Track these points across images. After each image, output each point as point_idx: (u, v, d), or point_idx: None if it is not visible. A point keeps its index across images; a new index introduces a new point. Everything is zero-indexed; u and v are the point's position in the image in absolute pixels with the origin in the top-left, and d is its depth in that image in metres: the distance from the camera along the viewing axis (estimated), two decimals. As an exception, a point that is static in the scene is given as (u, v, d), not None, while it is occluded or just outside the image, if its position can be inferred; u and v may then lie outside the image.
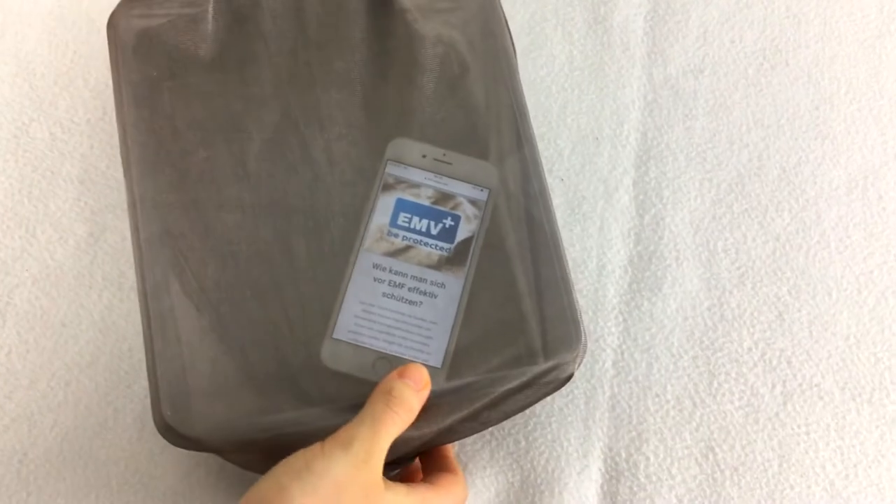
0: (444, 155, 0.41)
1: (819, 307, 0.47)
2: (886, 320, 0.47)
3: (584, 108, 0.51)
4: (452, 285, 0.39)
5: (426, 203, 0.40)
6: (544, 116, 0.51)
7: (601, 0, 0.54)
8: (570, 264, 0.43)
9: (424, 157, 0.41)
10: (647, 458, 0.43)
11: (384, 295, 0.38)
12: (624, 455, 0.44)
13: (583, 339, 0.38)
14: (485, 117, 0.41)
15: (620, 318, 0.47)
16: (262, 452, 0.36)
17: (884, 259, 0.48)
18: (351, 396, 0.36)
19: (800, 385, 0.45)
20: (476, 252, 0.39)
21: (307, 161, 0.40)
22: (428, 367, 0.36)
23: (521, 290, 0.38)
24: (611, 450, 0.44)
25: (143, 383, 0.43)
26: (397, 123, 0.41)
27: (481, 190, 0.40)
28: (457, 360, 0.37)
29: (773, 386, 0.45)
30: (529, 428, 0.44)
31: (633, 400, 0.45)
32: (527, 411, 0.41)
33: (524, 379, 0.37)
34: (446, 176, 0.41)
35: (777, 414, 0.45)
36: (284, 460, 0.31)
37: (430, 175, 0.41)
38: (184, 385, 0.35)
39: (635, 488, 0.43)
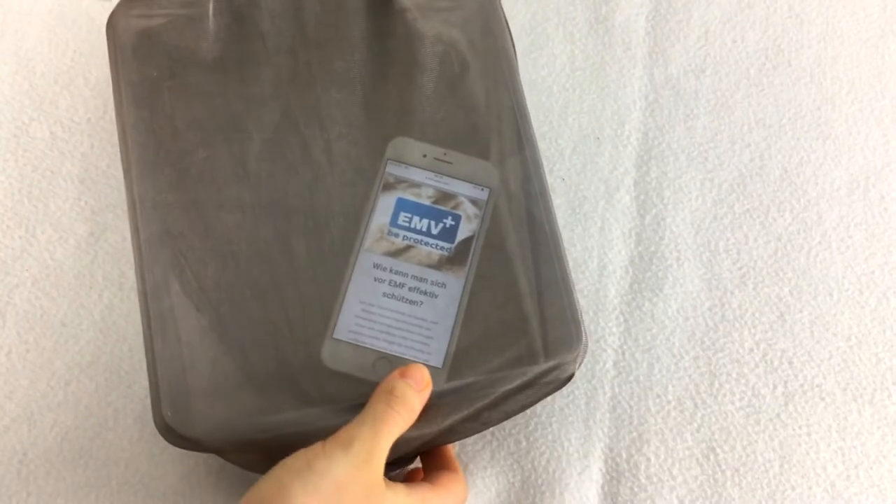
0: (445, 154, 0.41)
1: (821, 308, 0.47)
2: (888, 321, 0.47)
3: (586, 108, 0.51)
4: (453, 285, 0.39)
5: (427, 203, 0.40)
6: (545, 116, 0.51)
7: (603, 0, 0.54)
8: (571, 264, 0.43)
9: (425, 156, 0.41)
10: (648, 459, 0.43)
11: (385, 295, 0.38)
12: (625, 455, 0.44)
13: (583, 339, 0.38)
14: (485, 117, 0.41)
15: (621, 319, 0.47)
16: (263, 453, 0.36)
17: (885, 259, 0.48)
18: (351, 396, 0.36)
19: (801, 386, 0.45)
20: (477, 252, 0.39)
21: (307, 161, 0.40)
22: (428, 367, 0.36)
23: (522, 290, 0.38)
24: (612, 450, 0.44)
25: (143, 383, 0.43)
26: (397, 123, 0.41)
27: (482, 189, 0.40)
28: (457, 360, 0.37)
29: (775, 386, 0.45)
30: (530, 428, 0.44)
31: (634, 400, 0.45)
32: (527, 411, 0.41)
33: (525, 379, 0.37)
34: (447, 175, 0.41)
35: (778, 415, 0.45)
36: (285, 460, 0.31)
37: (431, 174, 0.41)
38: (184, 385, 0.35)
39: (636, 489, 0.43)
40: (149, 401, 0.36)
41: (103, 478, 0.41)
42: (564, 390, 0.41)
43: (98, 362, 0.43)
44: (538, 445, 0.43)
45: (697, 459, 0.43)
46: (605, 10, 0.54)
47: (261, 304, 0.37)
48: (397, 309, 0.38)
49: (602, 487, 0.43)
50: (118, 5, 0.41)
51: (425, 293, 0.39)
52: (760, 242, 0.48)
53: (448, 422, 0.37)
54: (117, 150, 0.40)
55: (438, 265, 0.39)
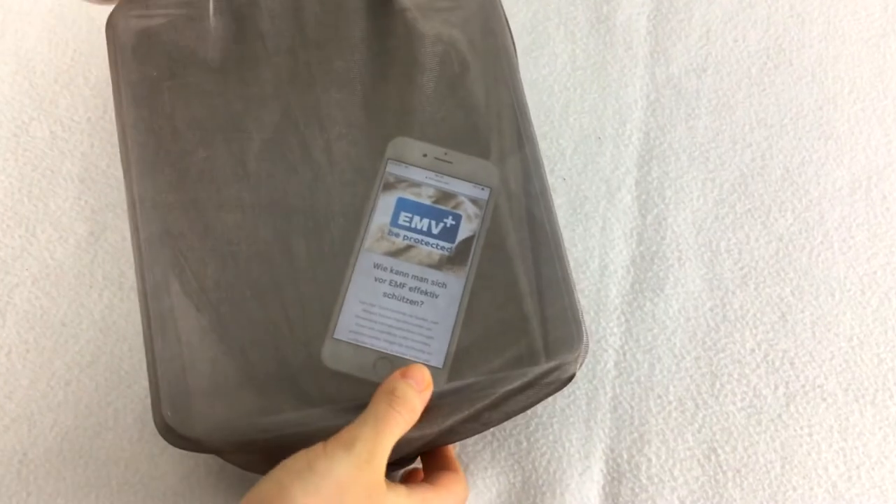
0: (445, 154, 0.41)
1: (822, 308, 0.47)
2: (890, 321, 0.47)
3: (587, 108, 0.51)
4: (453, 285, 0.39)
5: (427, 202, 0.40)
6: (546, 115, 0.51)
7: (604, -1, 0.54)
8: (572, 264, 0.43)
9: (425, 156, 0.41)
10: (649, 460, 0.43)
11: (385, 295, 0.38)
12: (626, 456, 0.43)
13: (584, 339, 0.38)
14: (485, 116, 0.41)
15: (622, 319, 0.46)
16: (263, 453, 0.36)
17: (887, 260, 0.48)
18: (351, 397, 0.36)
19: (803, 386, 0.45)
20: (477, 252, 0.39)
21: (307, 161, 0.39)
22: (429, 367, 0.36)
23: (523, 290, 0.38)
24: (612, 451, 0.44)
25: (143, 383, 0.43)
26: (398, 123, 0.41)
27: (482, 189, 0.40)
28: (458, 360, 0.37)
29: (776, 387, 0.45)
30: (531, 429, 0.44)
31: (635, 401, 0.45)
32: (528, 412, 0.41)
33: (525, 379, 0.37)
34: (447, 175, 0.40)
35: (780, 415, 0.44)
36: (286, 461, 0.31)
37: (431, 174, 0.40)
38: (184, 385, 0.35)
39: (637, 490, 0.43)
40: (149, 401, 0.36)
41: (103, 478, 0.41)
42: (565, 391, 0.41)
43: (98, 362, 0.43)
44: (539, 446, 0.43)
45: (699, 460, 0.43)
46: (606, 10, 0.54)
47: (261, 304, 0.37)
48: (398, 309, 0.38)
49: (603, 488, 0.43)
50: (117, 5, 0.41)
51: (426, 293, 0.38)
52: (762, 242, 0.48)
53: (449, 422, 0.37)
54: (117, 149, 0.40)
55: (439, 265, 0.39)
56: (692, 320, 0.46)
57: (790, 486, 0.43)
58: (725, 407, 0.44)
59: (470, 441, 0.43)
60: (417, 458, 0.40)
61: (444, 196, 0.40)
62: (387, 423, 0.32)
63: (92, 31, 0.50)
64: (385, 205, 0.40)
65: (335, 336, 0.37)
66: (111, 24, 0.40)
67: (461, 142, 0.41)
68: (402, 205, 0.40)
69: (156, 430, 0.35)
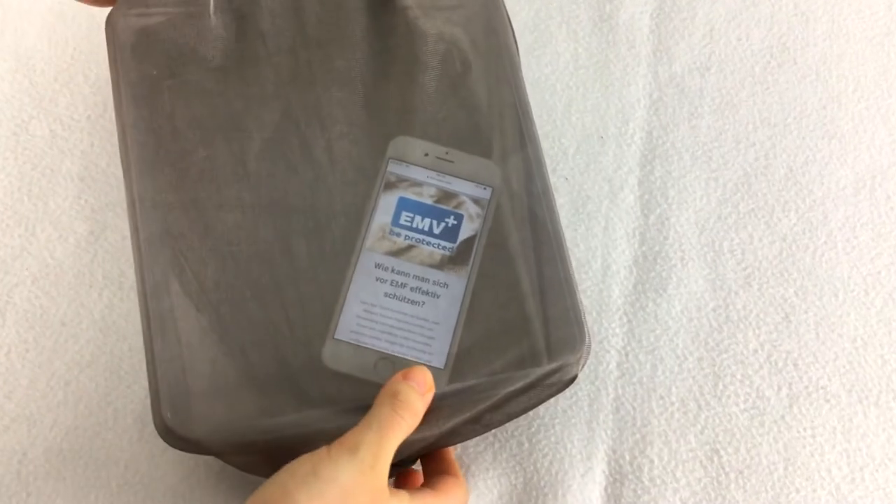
0: (447, 153, 0.41)
1: (826, 308, 0.47)
2: (894, 322, 0.46)
3: (589, 107, 0.51)
4: (455, 285, 0.38)
5: (428, 202, 0.40)
6: (548, 115, 0.51)
7: (606, -3, 0.54)
8: (574, 264, 0.43)
9: (426, 155, 0.40)
10: (652, 461, 0.43)
11: (386, 295, 0.38)
12: (628, 458, 0.43)
13: (587, 340, 0.38)
14: (487, 115, 0.41)
15: (625, 319, 0.46)
16: (263, 454, 0.36)
17: (891, 260, 0.48)
18: (352, 398, 0.36)
19: (806, 387, 0.45)
20: (479, 251, 0.39)
21: (308, 160, 0.39)
22: (431, 367, 0.36)
23: (525, 291, 0.38)
24: (615, 452, 0.43)
25: (143, 383, 0.43)
26: (399, 122, 0.41)
27: (484, 188, 0.40)
28: (459, 360, 0.37)
29: (779, 388, 0.45)
30: (532, 430, 0.44)
31: (637, 402, 0.44)
32: (530, 413, 0.41)
33: (527, 381, 0.37)
34: (449, 174, 0.40)
35: (783, 416, 0.44)
36: (289, 464, 0.30)
37: (433, 173, 0.40)
38: (184, 386, 0.35)
39: (639, 491, 0.43)
40: (149, 401, 0.35)
41: (103, 478, 0.41)
42: (567, 391, 0.41)
43: (98, 362, 0.43)
44: (541, 447, 0.43)
45: (701, 461, 0.43)
46: (608, 8, 0.53)
47: (261, 305, 0.37)
48: (399, 309, 0.38)
49: (605, 489, 0.43)
50: (117, 4, 0.40)
51: (427, 293, 0.38)
52: (765, 242, 0.48)
53: (450, 424, 0.37)
54: (117, 148, 0.40)
55: (440, 265, 0.39)
56: (695, 321, 0.46)
57: (793, 488, 0.43)
58: (728, 408, 0.44)
59: (471, 442, 0.43)
60: (417, 461, 0.40)
61: (446, 195, 0.40)
62: (390, 428, 0.31)
63: (92, 29, 0.50)
64: (386, 204, 0.39)
65: (336, 336, 0.37)
66: (111, 23, 0.40)
67: (463, 141, 0.41)
68: (403, 204, 0.40)
69: (156, 431, 0.35)
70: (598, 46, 0.53)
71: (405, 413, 0.32)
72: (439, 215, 0.40)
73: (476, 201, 0.40)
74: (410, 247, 0.39)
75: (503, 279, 0.39)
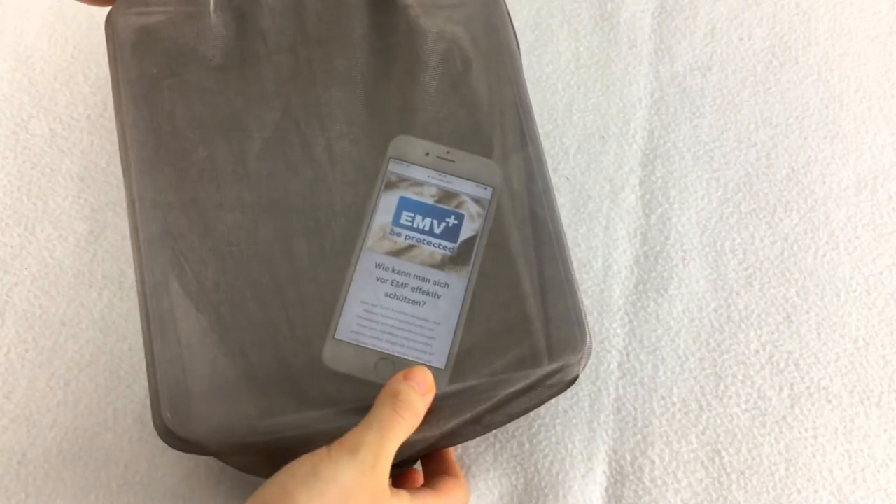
0: (448, 152, 0.40)
1: (827, 309, 0.46)
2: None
3: (590, 106, 0.51)
4: (456, 285, 0.38)
5: (429, 201, 0.40)
6: (550, 114, 0.50)
7: (608, -4, 0.53)
8: (576, 264, 0.43)
9: (427, 154, 0.40)
10: (653, 462, 0.43)
11: (387, 295, 0.38)
12: (629, 458, 0.43)
13: (588, 340, 0.38)
14: (488, 114, 0.41)
15: (626, 320, 0.46)
16: (263, 455, 0.35)
17: (893, 260, 0.48)
18: (352, 398, 0.36)
19: (807, 388, 0.45)
20: (480, 251, 0.39)
21: (308, 160, 0.39)
22: (431, 368, 0.36)
23: (526, 291, 0.38)
24: (616, 453, 0.43)
25: (143, 383, 0.43)
26: (399, 121, 0.41)
27: (485, 188, 0.40)
28: (460, 361, 0.37)
29: (781, 389, 0.45)
30: (533, 430, 0.43)
31: (638, 402, 0.44)
32: (531, 413, 0.41)
33: (528, 381, 0.37)
34: (450, 174, 0.40)
35: (784, 417, 0.44)
36: (289, 465, 0.30)
37: (434, 173, 0.40)
38: (183, 387, 0.35)
39: (640, 492, 0.42)
40: (149, 401, 0.35)
41: (103, 479, 0.41)
42: (568, 392, 0.41)
43: (97, 362, 0.43)
44: (541, 448, 0.43)
45: (702, 462, 0.43)
46: (610, 7, 0.53)
47: (261, 305, 0.37)
48: (399, 309, 0.38)
49: (606, 490, 0.43)
50: (117, 3, 0.40)
51: (428, 293, 0.38)
52: (767, 243, 0.48)
53: (450, 424, 0.37)
54: (117, 147, 0.40)
55: (441, 265, 0.39)
56: (696, 321, 0.46)
57: (795, 489, 0.43)
58: (730, 409, 0.44)
59: (472, 443, 0.43)
60: (417, 461, 0.40)
61: (447, 195, 0.40)
62: (391, 428, 0.31)
63: (92, 27, 0.50)
64: (387, 204, 0.39)
65: (336, 336, 0.37)
66: (110, 22, 0.40)
67: (464, 140, 0.41)
68: (403, 204, 0.39)
69: (155, 431, 0.35)
70: (600, 45, 0.52)
71: (406, 413, 0.32)
72: (440, 215, 0.39)
73: (477, 201, 0.40)
74: (411, 247, 0.39)
75: (504, 279, 0.38)
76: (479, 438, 0.43)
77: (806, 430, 0.44)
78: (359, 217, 0.39)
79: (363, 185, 0.39)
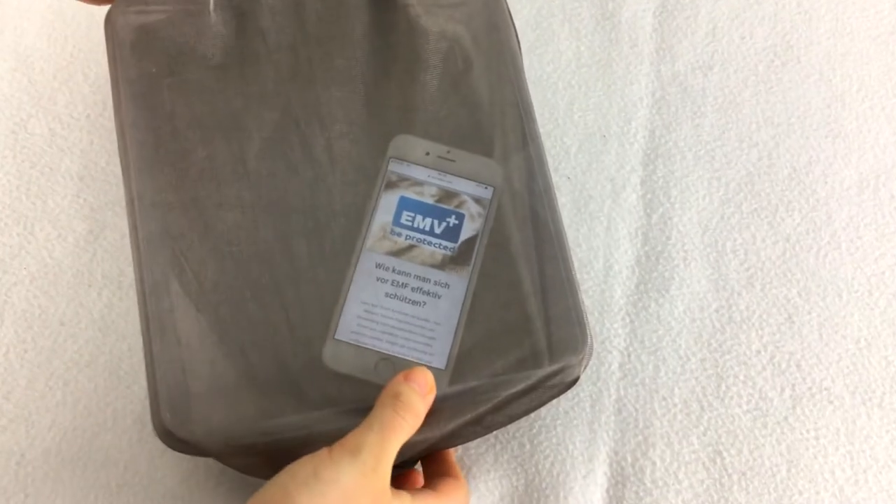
0: (448, 152, 0.40)
1: (829, 309, 0.46)
2: (898, 323, 0.46)
3: (591, 105, 0.51)
4: (456, 285, 0.38)
5: (430, 201, 0.40)
6: (550, 113, 0.50)
7: (609, -5, 0.53)
8: (577, 264, 0.43)
9: (428, 154, 0.40)
10: (654, 463, 0.43)
11: (387, 295, 0.38)
12: (630, 459, 0.43)
13: (589, 341, 0.37)
14: (489, 114, 0.41)
15: (627, 320, 0.46)
16: (263, 456, 0.35)
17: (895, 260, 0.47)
18: (353, 399, 0.35)
19: (809, 389, 0.45)
20: (480, 251, 0.39)
21: (308, 160, 0.39)
22: (432, 368, 0.36)
23: (526, 291, 0.38)
24: (616, 454, 0.43)
25: (142, 384, 0.42)
26: (400, 120, 0.40)
27: (486, 188, 0.40)
28: (461, 361, 0.37)
29: (783, 389, 0.45)
30: (534, 431, 0.43)
31: (639, 403, 0.44)
32: (531, 414, 0.41)
33: (529, 382, 0.37)
34: (450, 173, 0.40)
35: (786, 418, 0.44)
36: (290, 466, 0.30)
37: (434, 173, 0.40)
38: (183, 388, 0.35)
39: (641, 493, 0.42)
40: (148, 402, 0.35)
41: (102, 479, 0.41)
42: (569, 392, 0.40)
43: (97, 362, 0.43)
44: (542, 449, 0.43)
45: (704, 463, 0.43)
46: (611, 6, 0.53)
47: (261, 305, 0.37)
48: (400, 309, 0.38)
49: (607, 491, 0.43)
50: (116, 2, 0.40)
51: (428, 293, 0.38)
52: (768, 243, 0.48)
53: (451, 426, 0.37)
54: (116, 146, 0.40)
55: (441, 265, 0.38)
56: (697, 321, 0.46)
57: (796, 490, 0.43)
58: (731, 409, 0.44)
59: (472, 444, 0.43)
60: (417, 462, 0.40)
61: (447, 195, 0.40)
62: (392, 429, 0.31)
63: (91, 27, 0.50)
64: (387, 204, 0.39)
65: (336, 337, 0.37)
66: (110, 21, 0.40)
67: (464, 140, 0.40)
68: (404, 204, 0.39)
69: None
70: (601, 44, 0.52)
71: (407, 415, 0.32)
72: (440, 215, 0.39)
73: (477, 200, 0.40)
74: (411, 246, 0.39)
75: (505, 279, 0.38)
76: (479, 439, 0.43)
77: (808, 430, 0.44)
78: (359, 217, 0.39)
79: (363, 184, 0.39)
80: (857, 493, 0.43)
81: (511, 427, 0.43)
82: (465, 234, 0.39)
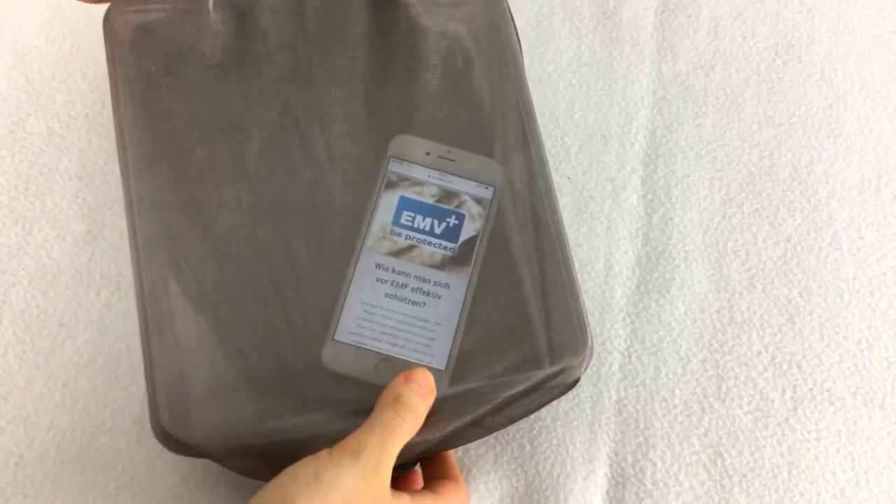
0: (449, 152, 0.40)
1: (831, 310, 0.46)
2: (900, 324, 0.46)
3: (592, 105, 0.50)
4: (456, 286, 0.38)
5: (430, 201, 0.39)
6: (551, 113, 0.50)
7: (610, -6, 0.53)
8: (577, 265, 0.43)
9: (428, 154, 0.40)
10: (654, 464, 0.43)
11: (387, 295, 0.38)
12: (630, 460, 0.43)
13: (589, 342, 0.37)
14: (489, 114, 0.41)
15: (628, 321, 0.46)
16: (262, 458, 0.35)
17: (897, 261, 0.47)
18: (352, 400, 0.35)
19: (810, 390, 0.44)
20: (480, 252, 0.39)
21: (307, 160, 0.39)
22: (432, 369, 0.36)
23: (527, 292, 0.38)
24: (617, 455, 0.43)
25: (141, 384, 0.42)
26: (400, 120, 0.40)
27: (486, 188, 0.40)
28: (461, 362, 0.37)
29: (784, 391, 0.44)
30: (534, 432, 0.43)
31: (640, 404, 0.44)
32: (531, 415, 0.41)
33: (529, 384, 0.37)
34: (450, 173, 0.40)
35: (787, 419, 0.44)
36: (290, 468, 0.30)
37: (434, 172, 0.40)
38: (182, 389, 0.35)
39: (642, 494, 0.42)
40: (147, 402, 0.35)
41: (100, 481, 0.41)
42: (569, 393, 0.40)
43: (96, 363, 0.43)
44: (542, 450, 0.43)
45: (704, 465, 0.43)
46: (612, 5, 0.53)
47: (260, 306, 0.36)
48: (400, 310, 0.37)
49: (607, 492, 0.43)
50: (115, 0, 0.40)
51: (428, 294, 0.38)
52: (770, 243, 0.47)
53: (451, 427, 0.37)
54: (115, 146, 0.39)
55: (442, 265, 0.38)
56: (698, 322, 0.46)
57: (797, 492, 0.43)
58: (732, 410, 0.44)
59: (472, 445, 0.43)
60: (417, 463, 0.40)
61: (447, 195, 0.40)
62: (393, 431, 0.31)
63: (90, 25, 0.49)
64: (387, 204, 0.39)
65: (336, 338, 0.37)
66: (108, 20, 0.40)
67: (465, 140, 0.40)
68: (404, 204, 0.39)
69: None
70: (602, 44, 0.52)
71: (408, 416, 0.32)
72: (441, 215, 0.39)
73: (478, 201, 0.40)
74: (411, 247, 0.39)
75: (505, 280, 0.38)
76: (479, 440, 0.42)
77: (809, 432, 0.44)
78: (359, 217, 0.39)
79: (363, 184, 0.39)
80: (859, 494, 0.43)
81: (511, 428, 0.43)
82: (465, 235, 0.39)
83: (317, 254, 0.38)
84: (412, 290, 0.38)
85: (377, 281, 0.38)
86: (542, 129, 0.42)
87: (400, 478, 0.39)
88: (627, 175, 0.49)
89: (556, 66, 0.51)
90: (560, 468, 0.43)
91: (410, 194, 0.39)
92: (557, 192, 0.41)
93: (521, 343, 0.37)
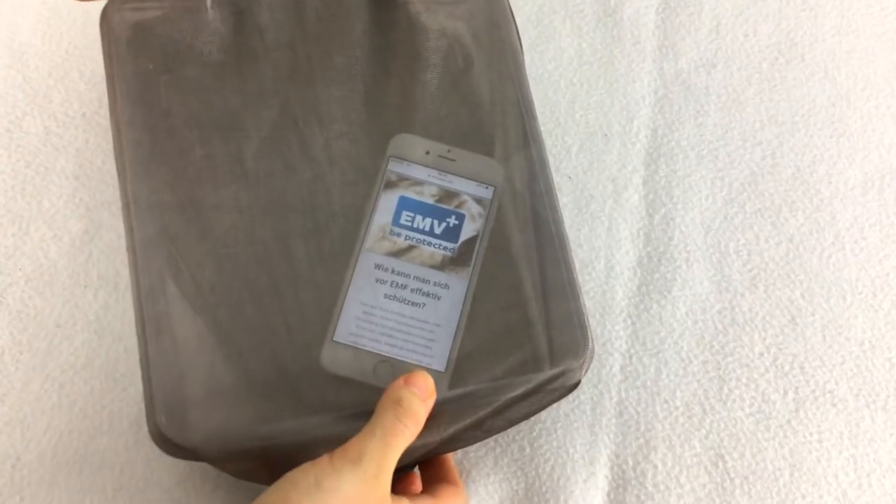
0: (449, 151, 0.40)
1: (833, 311, 0.46)
2: (902, 325, 0.46)
3: (593, 104, 0.50)
4: (456, 286, 0.38)
5: (430, 201, 0.39)
6: (552, 112, 0.50)
7: (611, -8, 0.53)
8: (578, 265, 0.42)
9: (428, 153, 0.40)
10: (655, 466, 0.42)
11: (386, 296, 0.37)
12: (631, 463, 0.43)
13: (590, 344, 0.37)
14: (490, 113, 0.40)
15: (629, 322, 0.45)
16: (260, 461, 0.35)
17: (900, 261, 0.47)
18: (351, 402, 0.35)
19: (812, 391, 0.44)
20: (480, 252, 0.38)
21: (306, 159, 0.39)
22: (431, 371, 0.36)
23: (527, 293, 0.38)
24: (618, 457, 0.43)
25: (138, 386, 0.42)
26: (399, 119, 0.40)
27: (486, 188, 0.39)
28: (460, 364, 0.37)
29: (785, 392, 0.44)
30: (534, 434, 0.43)
31: (641, 406, 0.44)
32: (532, 417, 0.40)
33: (529, 386, 0.36)
34: (450, 173, 0.40)
35: (789, 421, 0.44)
36: (291, 473, 0.30)
37: (434, 172, 0.40)
38: (179, 392, 0.34)
39: (643, 497, 0.42)
40: (144, 405, 0.35)
41: (98, 483, 0.41)
42: (570, 395, 0.40)
43: (93, 364, 0.43)
44: (542, 452, 0.43)
45: (706, 467, 0.43)
46: (613, 3, 0.53)
47: (259, 307, 0.36)
48: (399, 311, 0.37)
49: (608, 495, 0.42)
50: (112, -3, 0.40)
51: (428, 295, 0.38)
52: (772, 243, 0.47)
53: (451, 430, 0.36)
54: (112, 145, 0.39)
55: (441, 266, 0.38)
56: (700, 323, 0.45)
57: (799, 494, 0.42)
58: (733, 412, 0.44)
59: (472, 447, 0.43)
60: (416, 465, 0.40)
61: (447, 195, 0.39)
62: (394, 436, 0.31)
63: (87, 23, 0.49)
64: (386, 204, 0.39)
65: (335, 339, 0.36)
66: (105, 17, 0.40)
67: (465, 139, 0.40)
68: (403, 204, 0.39)
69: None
70: (603, 42, 0.52)
71: (408, 421, 0.32)
72: (440, 215, 0.39)
73: (478, 201, 0.39)
74: (411, 247, 0.38)
75: (505, 281, 0.38)
76: (479, 443, 0.42)
77: (811, 434, 0.43)
78: (358, 217, 0.38)
79: (362, 184, 0.39)
80: (861, 496, 0.42)
81: (511, 430, 0.43)
82: (465, 235, 0.39)
83: (316, 254, 0.37)
84: (412, 290, 0.38)
85: (376, 282, 0.37)
86: (542, 128, 0.41)
87: (398, 481, 0.39)
88: (629, 174, 0.49)
89: (557, 65, 0.51)
90: (560, 470, 0.42)
91: (410, 194, 0.39)
92: (558, 192, 0.40)
93: (521, 345, 0.37)
